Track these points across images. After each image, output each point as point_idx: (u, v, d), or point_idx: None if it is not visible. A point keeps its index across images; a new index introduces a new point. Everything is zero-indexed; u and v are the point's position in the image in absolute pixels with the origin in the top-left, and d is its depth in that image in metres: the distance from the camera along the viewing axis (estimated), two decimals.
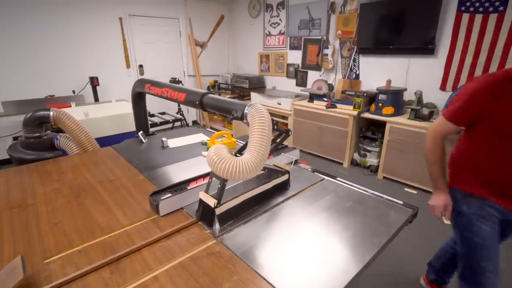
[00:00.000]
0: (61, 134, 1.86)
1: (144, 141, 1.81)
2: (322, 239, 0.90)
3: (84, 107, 2.47)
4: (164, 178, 1.31)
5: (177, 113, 4.32)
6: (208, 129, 2.12)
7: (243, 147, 1.05)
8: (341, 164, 3.51)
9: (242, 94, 4.70)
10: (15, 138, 3.01)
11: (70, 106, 2.59)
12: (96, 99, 4.06)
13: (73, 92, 4.00)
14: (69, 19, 3.81)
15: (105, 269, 0.78)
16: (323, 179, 1.29)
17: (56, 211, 1.06)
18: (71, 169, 1.45)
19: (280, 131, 1.14)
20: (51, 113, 1.71)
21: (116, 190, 1.21)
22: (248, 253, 0.83)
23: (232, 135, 1.74)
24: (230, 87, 4.81)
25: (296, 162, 1.46)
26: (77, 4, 3.83)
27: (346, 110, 3.29)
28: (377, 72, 3.46)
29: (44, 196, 1.18)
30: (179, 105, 4.69)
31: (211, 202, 0.93)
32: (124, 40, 4.30)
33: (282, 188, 1.15)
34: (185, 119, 4.51)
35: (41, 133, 1.75)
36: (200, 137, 1.88)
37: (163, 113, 3.28)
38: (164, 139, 1.74)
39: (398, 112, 2.97)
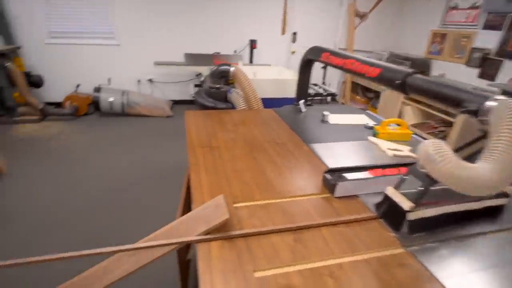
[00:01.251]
0: (233, 89, 2.07)
1: (303, 110, 1.79)
2: None
3: (251, 67, 2.67)
4: (329, 156, 1.23)
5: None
6: (368, 111, 1.90)
7: (461, 148, 0.82)
8: None
9: None
10: (196, 85, 3.66)
11: (237, 64, 2.87)
12: (251, 61, 4.42)
13: (234, 51, 4.47)
14: None
15: (289, 234, 0.77)
16: None
17: (236, 160, 1.16)
18: (241, 122, 1.59)
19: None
20: (231, 69, 1.90)
21: (284, 155, 1.23)
22: (455, 285, 0.65)
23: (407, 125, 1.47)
24: None
25: None
26: None
27: None
28: None
29: (224, 142, 1.33)
30: (324, 78, 4.55)
31: (405, 203, 0.78)
32: (285, 6, 4.37)
33: (494, 213, 0.87)
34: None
35: (221, 85, 1.99)
36: (362, 118, 1.70)
37: (315, 85, 3.21)
38: (325, 113, 1.66)
39: None
